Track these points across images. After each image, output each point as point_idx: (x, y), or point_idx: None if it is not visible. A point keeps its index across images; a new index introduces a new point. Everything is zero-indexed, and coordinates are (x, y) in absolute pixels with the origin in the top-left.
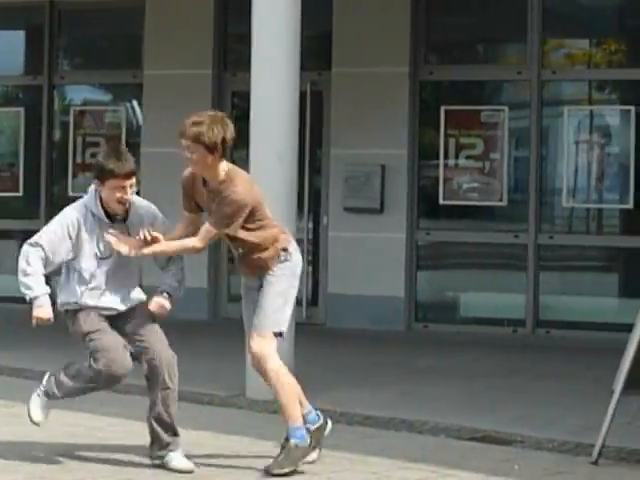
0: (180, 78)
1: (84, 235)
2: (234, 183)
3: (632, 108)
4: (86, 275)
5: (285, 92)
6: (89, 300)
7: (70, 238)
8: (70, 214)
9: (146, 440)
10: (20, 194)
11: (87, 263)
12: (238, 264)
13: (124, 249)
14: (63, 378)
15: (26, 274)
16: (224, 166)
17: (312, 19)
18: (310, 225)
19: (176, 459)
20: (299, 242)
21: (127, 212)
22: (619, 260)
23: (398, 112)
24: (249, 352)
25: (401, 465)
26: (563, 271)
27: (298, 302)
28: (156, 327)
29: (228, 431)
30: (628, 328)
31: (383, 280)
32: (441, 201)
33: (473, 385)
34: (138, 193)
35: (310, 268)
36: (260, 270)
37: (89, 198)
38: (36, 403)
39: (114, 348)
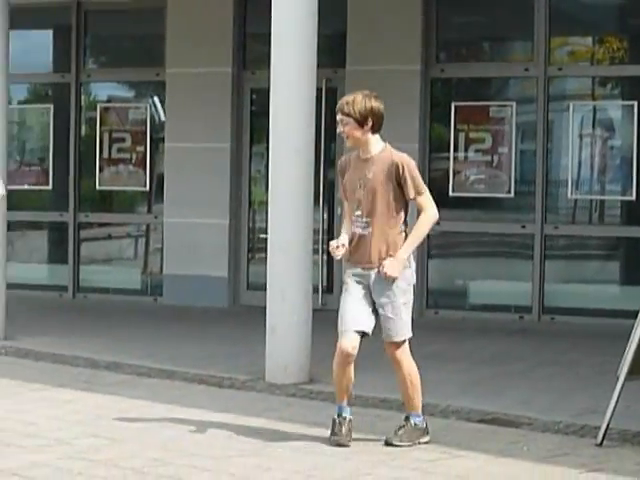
0: (201, 76)
1: None
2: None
3: (634, 103)
4: None
5: (303, 90)
6: None
7: None
8: None
9: (169, 421)
10: (50, 187)
11: None
12: (361, 246)
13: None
14: None
15: None
16: (379, 140)
17: (327, 18)
18: (325, 215)
19: None
20: (315, 232)
21: None
22: (621, 249)
23: (410, 108)
24: (392, 359)
25: (414, 446)
26: (568, 260)
27: (314, 289)
28: None
29: (248, 413)
30: (630, 315)
31: None
32: (451, 193)
33: (482, 369)
34: (162, 186)
35: (325, 257)
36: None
37: None
38: None
39: None
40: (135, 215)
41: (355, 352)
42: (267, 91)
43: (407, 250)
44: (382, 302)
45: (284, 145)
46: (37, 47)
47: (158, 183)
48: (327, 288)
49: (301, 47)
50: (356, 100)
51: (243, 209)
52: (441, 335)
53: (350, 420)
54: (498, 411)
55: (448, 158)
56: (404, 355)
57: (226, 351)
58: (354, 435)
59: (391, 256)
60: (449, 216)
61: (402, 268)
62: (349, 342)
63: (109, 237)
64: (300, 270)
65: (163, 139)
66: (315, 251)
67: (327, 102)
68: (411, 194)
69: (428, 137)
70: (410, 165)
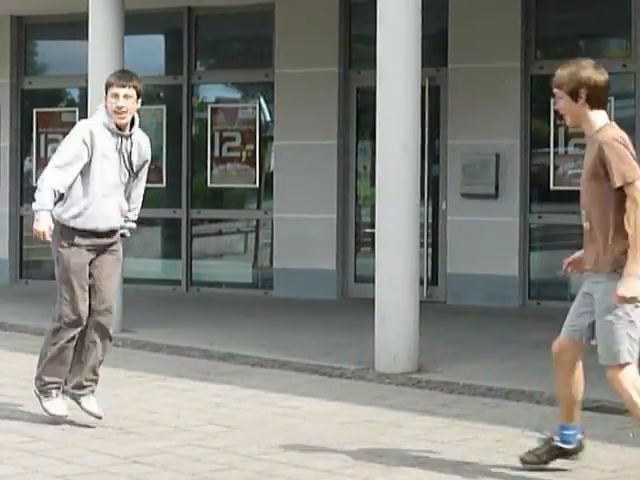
0: (309, 76)
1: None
2: (606, 128)
3: None
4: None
5: (408, 88)
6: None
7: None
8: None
9: (283, 409)
10: (163, 185)
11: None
12: (585, 244)
13: None
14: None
15: None
16: (600, 117)
17: (430, 19)
18: (430, 210)
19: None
20: (420, 226)
21: (131, 128)
22: None
23: (510, 104)
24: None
25: (522, 433)
26: None
27: (420, 281)
28: None
29: (360, 402)
30: None
31: (498, 260)
32: (552, 186)
33: (586, 358)
34: (272, 180)
35: (430, 250)
36: (602, 265)
37: (101, 112)
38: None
39: None
40: (245, 211)
41: (559, 351)
42: (372, 90)
43: (632, 264)
44: (598, 312)
45: (391, 142)
46: (150, 51)
47: (267, 180)
48: (432, 280)
49: (406, 46)
50: (567, 71)
51: (350, 204)
52: (544, 325)
53: (556, 447)
54: (604, 398)
55: (548, 153)
56: (615, 382)
57: (336, 342)
58: (465, 423)
59: (610, 262)
60: (550, 209)
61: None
62: (556, 340)
63: (220, 233)
64: (407, 263)
65: (272, 137)
66: (420, 244)
67: (430, 100)
68: (615, 182)
69: (529, 133)
70: (613, 145)
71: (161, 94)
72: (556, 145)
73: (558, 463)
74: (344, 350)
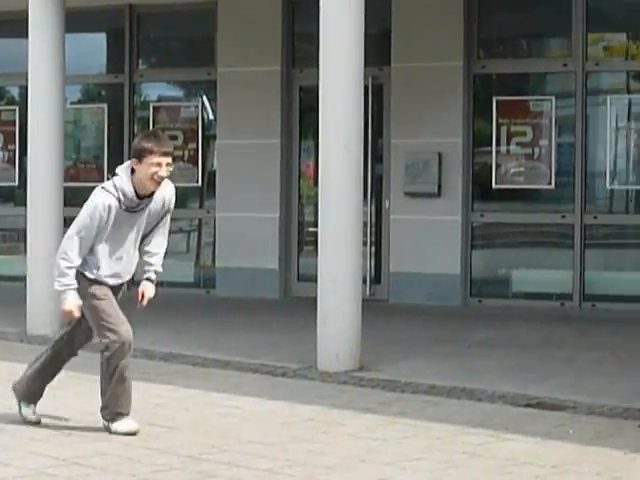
0: (251, 75)
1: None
2: None
3: None
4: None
5: (351, 87)
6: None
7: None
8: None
9: (224, 409)
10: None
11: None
12: None
13: None
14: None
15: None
16: None
17: (373, 18)
18: (373, 209)
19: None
20: (363, 225)
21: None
22: None
23: (453, 103)
24: None
25: (463, 430)
26: (607, 248)
27: (362, 280)
28: None
29: (302, 401)
30: None
31: (440, 259)
32: (494, 185)
33: (526, 356)
34: (215, 178)
35: (373, 249)
36: None
37: (124, 179)
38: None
39: None
40: (187, 210)
41: None
42: (315, 88)
43: None
44: None
45: (333, 142)
46: (91, 49)
47: (210, 179)
48: (375, 279)
49: (349, 45)
50: None
51: (293, 203)
52: (485, 323)
53: None
54: (543, 395)
55: (490, 152)
56: None
57: (278, 341)
58: (406, 421)
59: None
60: (492, 208)
61: None
62: None
63: None
64: (350, 262)
65: (214, 136)
66: (363, 243)
67: (373, 99)
68: None
69: (471, 132)
70: None
71: (102, 93)
72: (498, 144)
73: (507, 458)
74: (286, 349)
